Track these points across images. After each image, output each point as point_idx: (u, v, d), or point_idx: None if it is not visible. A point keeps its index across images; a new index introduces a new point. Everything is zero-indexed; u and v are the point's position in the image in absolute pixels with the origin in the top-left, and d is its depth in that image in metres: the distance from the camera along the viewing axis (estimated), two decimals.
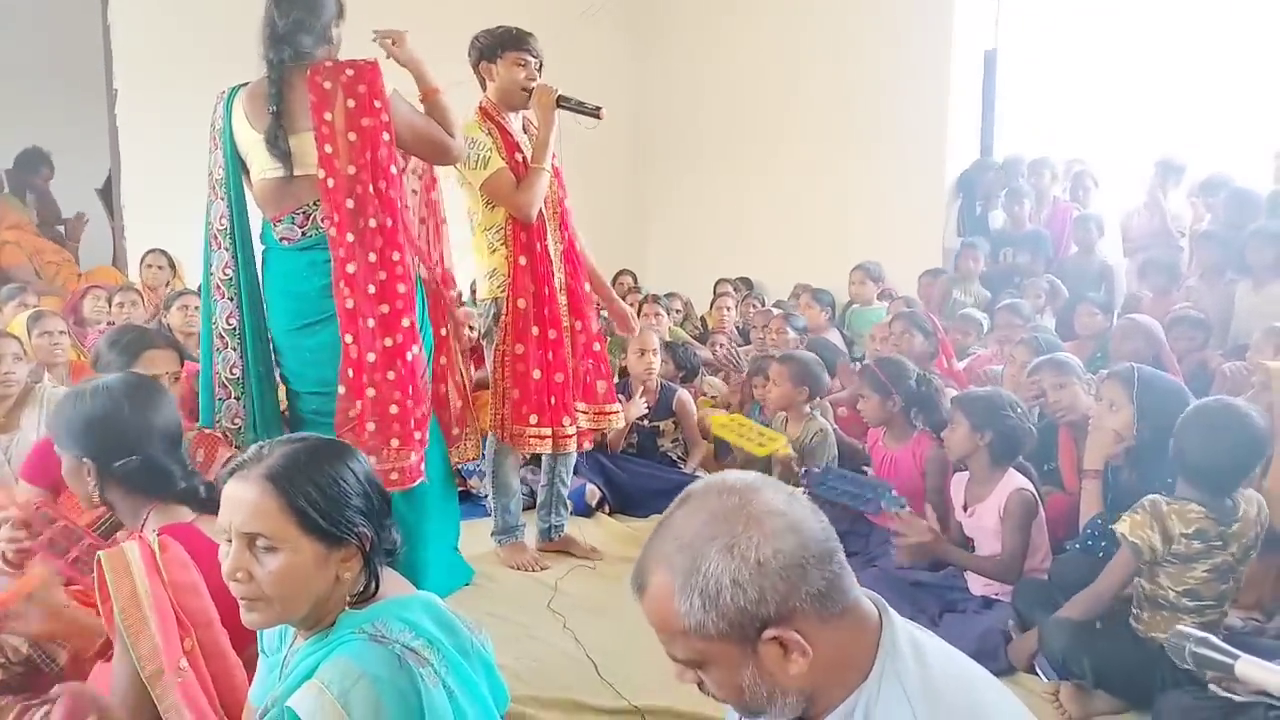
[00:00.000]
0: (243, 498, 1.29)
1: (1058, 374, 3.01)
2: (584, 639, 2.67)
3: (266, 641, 1.48)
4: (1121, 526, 2.16)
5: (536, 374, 3.12)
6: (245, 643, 1.61)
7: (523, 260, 3.11)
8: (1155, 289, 4.67)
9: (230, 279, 2.68)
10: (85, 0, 6.13)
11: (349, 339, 2.55)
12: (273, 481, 1.28)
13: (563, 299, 3.22)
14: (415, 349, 2.64)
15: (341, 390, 2.57)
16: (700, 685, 1.11)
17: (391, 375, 2.57)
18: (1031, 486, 2.65)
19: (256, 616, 1.30)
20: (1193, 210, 5.41)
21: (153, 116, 6.05)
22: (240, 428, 2.69)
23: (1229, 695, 1.41)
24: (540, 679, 2.42)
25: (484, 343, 3.30)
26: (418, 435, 2.65)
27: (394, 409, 2.57)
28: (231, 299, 2.68)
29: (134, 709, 1.52)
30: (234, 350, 2.69)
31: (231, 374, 2.69)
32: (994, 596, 2.63)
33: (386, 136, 2.55)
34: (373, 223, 2.55)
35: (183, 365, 2.95)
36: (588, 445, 3.43)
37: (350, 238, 2.53)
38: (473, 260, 3.26)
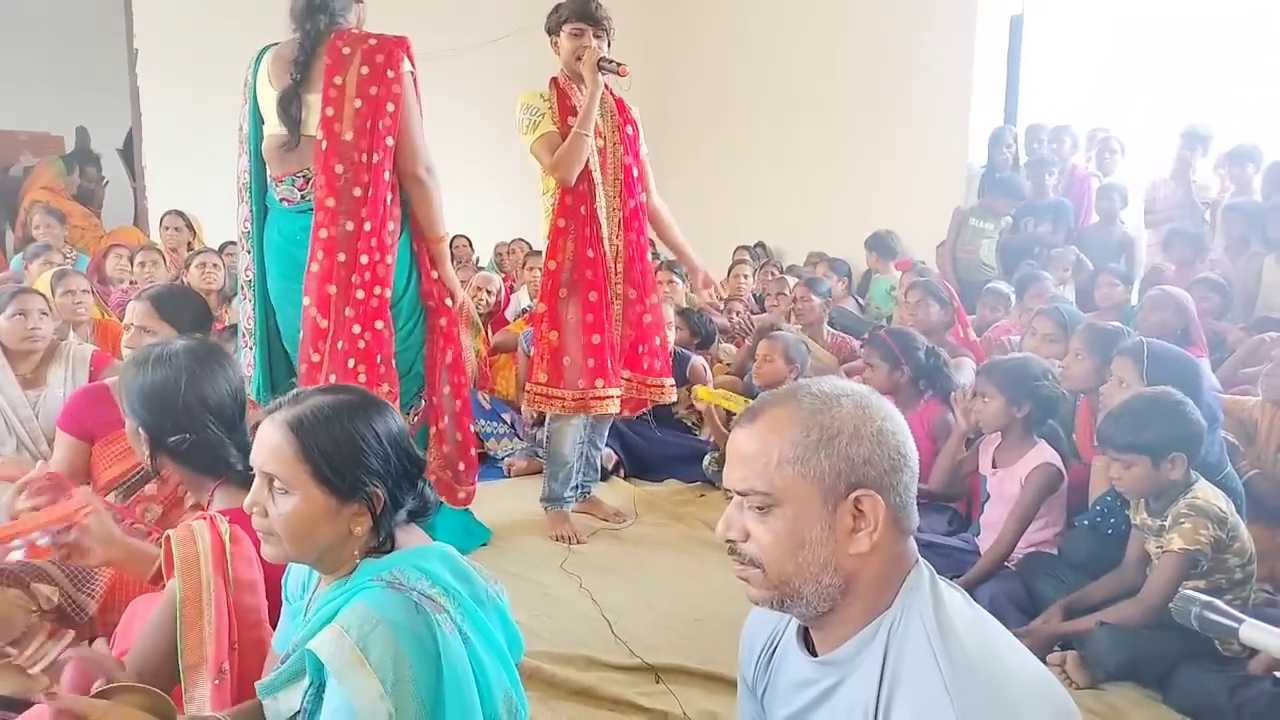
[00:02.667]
0: (266, 438, 1.34)
1: (1087, 346, 2.93)
2: (599, 598, 2.71)
3: (290, 588, 1.52)
4: (1175, 544, 2.13)
5: (554, 336, 3.13)
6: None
7: (561, 223, 3.12)
8: (1180, 261, 4.62)
9: (248, 232, 2.72)
10: None
11: (307, 301, 2.56)
12: (293, 429, 1.32)
13: (619, 266, 3.23)
14: (379, 324, 2.58)
15: (302, 367, 2.60)
16: (737, 548, 1.10)
17: (341, 344, 2.55)
18: (1059, 460, 2.64)
19: (269, 549, 1.37)
20: (1219, 181, 5.33)
21: (173, 77, 6.08)
22: (250, 378, 2.74)
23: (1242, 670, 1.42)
24: (555, 636, 2.47)
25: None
26: None
27: (332, 378, 2.53)
28: (249, 252, 2.73)
29: (151, 674, 1.52)
30: (249, 301, 2.74)
31: (248, 325, 2.75)
32: (1005, 564, 2.64)
33: (391, 108, 2.53)
34: (357, 191, 2.53)
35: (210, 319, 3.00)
36: (628, 413, 3.43)
37: (331, 203, 2.52)
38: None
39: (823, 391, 1.11)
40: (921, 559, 1.13)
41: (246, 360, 2.77)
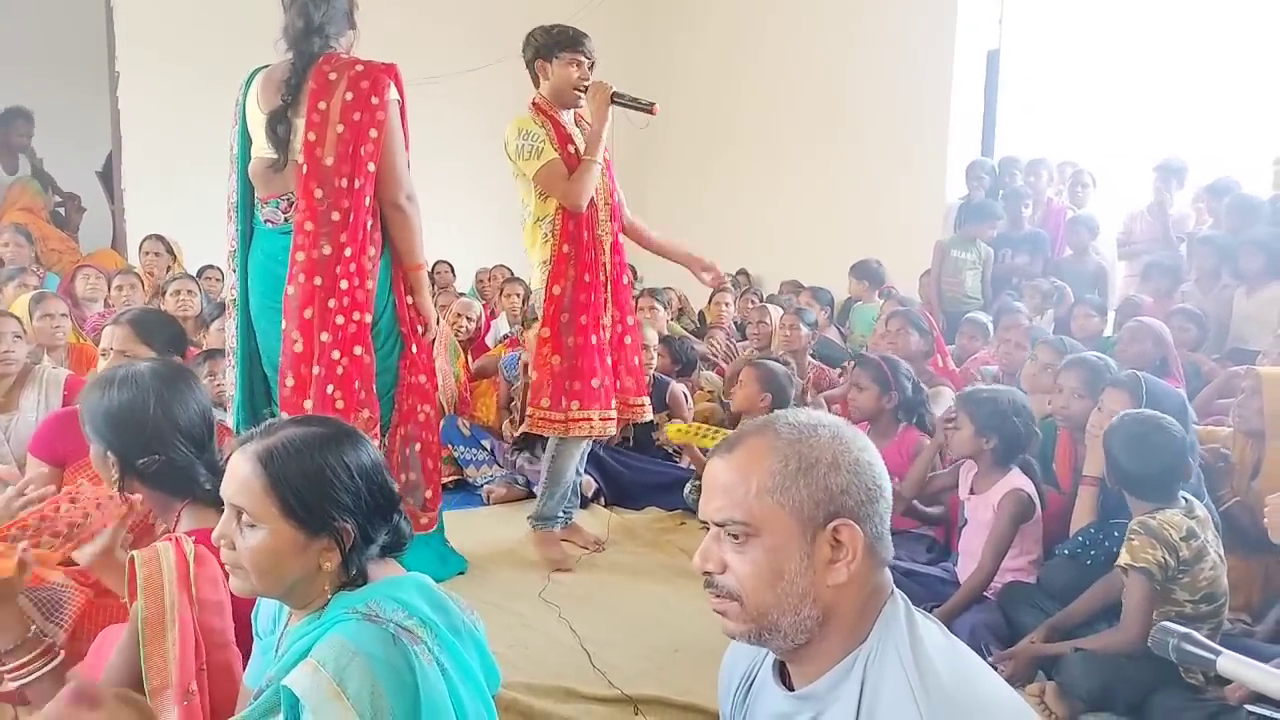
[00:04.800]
0: (235, 470, 1.32)
1: (1081, 384, 2.93)
2: (579, 628, 2.69)
3: (261, 623, 1.49)
4: (1124, 559, 2.15)
5: (556, 360, 3.14)
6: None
7: (566, 249, 3.13)
8: (1157, 292, 4.69)
9: (234, 251, 2.74)
10: None
11: (285, 324, 2.56)
12: (262, 461, 1.30)
13: (609, 289, 3.26)
14: (358, 349, 2.59)
15: (280, 375, 2.60)
16: (714, 580, 1.08)
17: (318, 370, 2.55)
18: (1031, 487, 2.66)
19: (237, 583, 1.34)
20: (1196, 214, 5.43)
21: (154, 100, 6.07)
22: (232, 397, 2.76)
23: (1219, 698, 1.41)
24: (533, 666, 2.44)
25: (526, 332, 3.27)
26: None
27: (308, 404, 2.55)
28: (234, 270, 2.75)
29: None
30: (233, 320, 2.75)
31: (231, 343, 2.76)
32: (984, 594, 2.65)
33: (374, 134, 2.55)
34: (336, 215, 2.54)
35: (185, 341, 2.98)
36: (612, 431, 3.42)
37: (309, 226, 2.53)
38: (526, 250, 3.25)
39: (800, 422, 1.11)
40: (897, 590, 1.13)
41: (230, 379, 2.77)
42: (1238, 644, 2.20)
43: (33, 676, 1.56)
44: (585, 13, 6.96)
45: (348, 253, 2.54)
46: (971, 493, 2.78)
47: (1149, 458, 2.21)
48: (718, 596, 1.09)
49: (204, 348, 4.21)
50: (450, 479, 4.03)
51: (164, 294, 4.84)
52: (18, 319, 3.30)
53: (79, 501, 1.71)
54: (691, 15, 7.88)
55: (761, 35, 7.26)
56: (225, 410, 3.80)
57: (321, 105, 2.53)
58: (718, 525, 1.09)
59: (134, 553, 1.54)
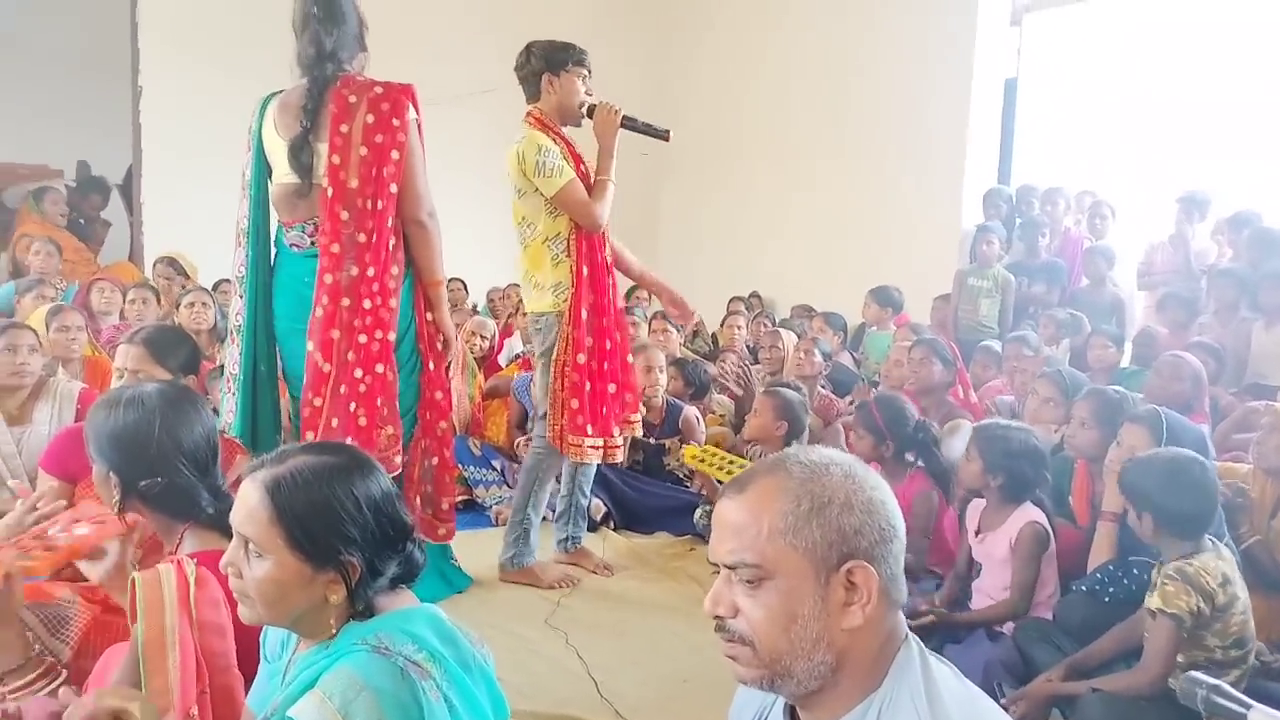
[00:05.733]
0: (244, 499, 1.31)
1: (1090, 415, 2.91)
2: (586, 655, 2.66)
3: (269, 647, 1.48)
4: (1154, 603, 2.10)
5: (587, 386, 3.13)
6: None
7: (585, 270, 3.11)
8: (1173, 324, 4.64)
9: (242, 277, 2.75)
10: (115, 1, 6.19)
11: (311, 345, 2.59)
12: (269, 491, 1.29)
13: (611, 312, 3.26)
14: (380, 367, 2.62)
15: (305, 394, 2.62)
16: (725, 625, 1.06)
17: (343, 389, 2.58)
18: (1045, 520, 2.63)
19: (244, 611, 1.33)
20: (1216, 247, 5.39)
21: (175, 116, 6.12)
22: (231, 423, 2.73)
23: None
24: (539, 693, 2.42)
25: (535, 356, 3.24)
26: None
27: (335, 422, 2.58)
28: (241, 295, 2.75)
29: None
30: (237, 346, 2.75)
31: (233, 369, 2.75)
32: (998, 629, 2.61)
33: (396, 155, 2.59)
34: (361, 237, 2.58)
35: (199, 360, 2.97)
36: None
37: (336, 249, 2.57)
38: (525, 272, 3.20)
39: (811, 461, 1.09)
40: (911, 634, 1.11)
41: (229, 406, 2.75)
42: (1260, 688, 2.16)
43: (36, 698, 1.54)
44: (598, 33, 7.02)
45: (371, 272, 2.58)
46: (978, 532, 2.74)
47: (1193, 495, 2.16)
48: (729, 641, 1.07)
49: (218, 362, 4.22)
50: (459, 499, 4.00)
51: (178, 307, 4.87)
52: (34, 331, 3.31)
53: (80, 520, 1.71)
54: (705, 36, 7.92)
55: (778, 58, 7.28)
56: None
57: (343, 129, 2.56)
58: (729, 568, 1.06)
59: (135, 575, 1.53)
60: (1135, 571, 2.43)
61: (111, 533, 1.71)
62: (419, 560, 1.38)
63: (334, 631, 1.31)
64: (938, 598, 2.79)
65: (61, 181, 6.93)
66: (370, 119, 2.57)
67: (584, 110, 3.15)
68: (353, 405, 2.58)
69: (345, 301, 2.57)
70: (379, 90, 2.60)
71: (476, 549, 3.42)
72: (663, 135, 3.17)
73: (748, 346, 5.78)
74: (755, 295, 7.15)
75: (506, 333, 5.96)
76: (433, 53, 5.99)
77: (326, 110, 2.58)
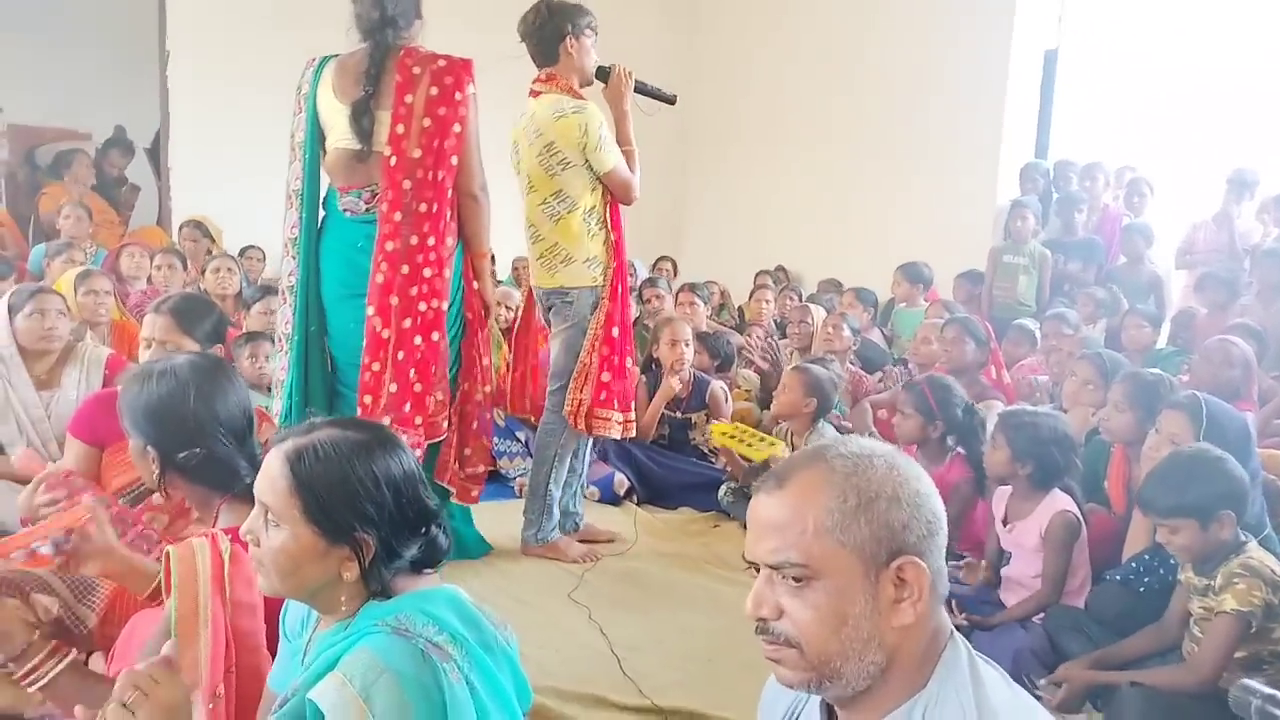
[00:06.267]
0: (267, 467, 1.31)
1: (1125, 398, 2.83)
2: (609, 632, 2.64)
3: (289, 624, 1.46)
4: (1228, 604, 2.02)
5: (616, 360, 3.14)
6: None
7: (616, 240, 3.11)
8: (1212, 304, 4.53)
9: (295, 238, 2.78)
10: None
11: (371, 310, 2.65)
12: (289, 461, 1.28)
13: None
14: (435, 334, 2.70)
15: (363, 360, 2.68)
16: (769, 627, 1.01)
17: (401, 355, 2.65)
18: (1075, 508, 2.57)
19: (261, 580, 1.33)
20: (1262, 227, 5.24)
21: (202, 80, 6.09)
22: (283, 381, 2.80)
23: None
24: (562, 670, 2.40)
25: (563, 328, 3.16)
26: (417, 420, 2.71)
27: (393, 386, 2.65)
28: (294, 257, 2.79)
29: None
30: (289, 306, 2.80)
31: (285, 329, 2.81)
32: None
33: (457, 129, 2.64)
34: (422, 207, 2.63)
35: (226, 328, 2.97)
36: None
37: (398, 216, 2.62)
38: (551, 245, 3.09)
39: (852, 452, 1.04)
40: (956, 632, 1.07)
41: (281, 364, 2.81)
42: None
43: (48, 677, 1.54)
44: (632, 3, 6.91)
45: (430, 241, 2.64)
46: (1005, 521, 2.68)
47: (1225, 490, 2.09)
48: (773, 644, 1.02)
49: (243, 328, 4.23)
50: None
51: (204, 272, 4.88)
52: (62, 296, 3.31)
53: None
54: (739, 7, 7.76)
55: (810, 25, 7.12)
56: (269, 393, 3.83)
57: (408, 99, 2.60)
58: (771, 567, 1.02)
59: (169, 548, 1.52)
60: (1171, 561, 2.36)
61: (57, 527, 1.70)
62: (442, 545, 1.35)
63: (348, 610, 1.29)
64: (962, 575, 2.75)
65: (90, 144, 6.94)
66: (434, 91, 2.61)
67: (595, 74, 3.08)
68: (411, 371, 2.65)
69: (404, 269, 2.63)
70: (442, 63, 2.64)
71: (499, 519, 3.40)
72: (670, 99, 3.14)
73: (775, 321, 5.72)
74: (781, 269, 7.05)
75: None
76: (443, 18, 5.91)
77: (390, 78, 2.61)
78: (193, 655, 1.46)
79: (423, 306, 2.65)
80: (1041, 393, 3.86)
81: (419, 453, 2.71)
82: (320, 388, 2.83)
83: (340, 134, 2.68)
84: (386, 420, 2.61)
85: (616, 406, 3.13)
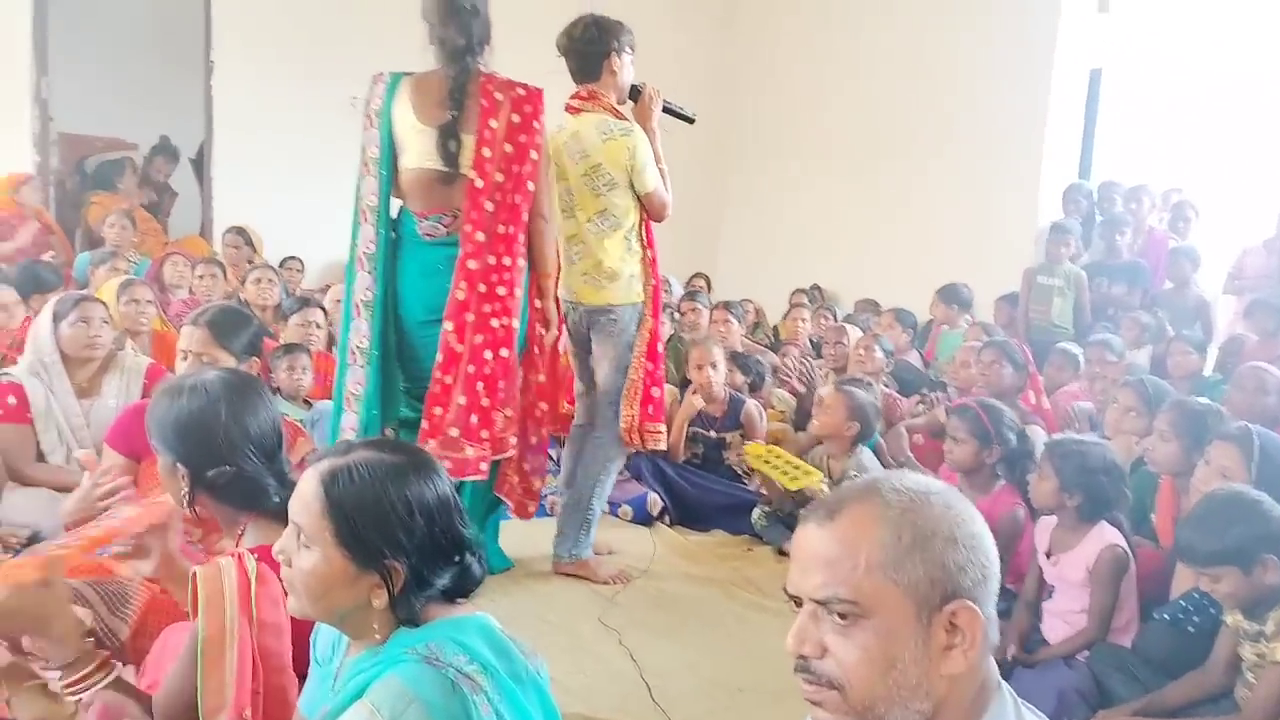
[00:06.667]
0: (302, 487, 1.29)
1: (1170, 427, 2.76)
2: (639, 657, 2.60)
3: (320, 649, 1.45)
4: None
5: (657, 374, 3.20)
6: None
7: (652, 262, 3.17)
8: (1261, 331, 4.42)
9: (372, 253, 2.80)
10: None
11: (449, 326, 2.74)
12: (325, 482, 1.26)
13: None
14: (505, 351, 2.79)
15: (435, 374, 2.76)
16: (810, 666, 0.97)
17: (471, 369, 2.75)
18: (1124, 541, 2.50)
19: (293, 602, 1.31)
20: None
21: (245, 92, 6.17)
22: (359, 394, 2.84)
23: None
24: (591, 696, 2.36)
25: (601, 349, 3.16)
26: (483, 434, 2.78)
27: (462, 399, 2.74)
28: (370, 272, 2.81)
29: (175, 716, 1.49)
30: (365, 320, 2.82)
31: (361, 343, 2.84)
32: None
33: (534, 155, 2.77)
34: (501, 229, 2.75)
35: (262, 341, 3.00)
36: None
37: (481, 237, 2.73)
38: (593, 264, 3.08)
39: (907, 488, 1.00)
40: (1003, 683, 1.02)
41: (357, 378, 2.84)
42: None
43: (93, 690, 1.53)
44: (666, 20, 6.92)
45: (506, 261, 2.76)
46: (1049, 553, 2.61)
47: (1237, 541, 2.02)
48: (813, 684, 0.98)
49: (280, 340, 4.26)
50: None
51: (244, 283, 4.93)
52: (105, 305, 3.35)
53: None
54: (774, 23, 7.73)
55: (850, 41, 7.08)
56: (307, 406, 3.85)
57: (492, 124, 2.70)
58: (817, 603, 0.98)
59: (195, 568, 1.51)
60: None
61: (143, 523, 1.69)
62: (476, 574, 1.33)
63: (378, 636, 1.27)
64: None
65: (137, 154, 7.07)
66: (516, 118, 2.72)
67: (628, 93, 3.11)
68: (480, 385, 2.75)
69: (481, 287, 2.74)
70: (521, 91, 2.75)
71: (527, 536, 3.37)
72: (690, 119, 3.19)
73: (810, 341, 5.66)
74: (816, 288, 6.99)
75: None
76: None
77: (473, 103, 2.70)
78: (218, 677, 1.45)
79: (495, 324, 2.76)
80: (1083, 420, 3.77)
81: (484, 466, 2.80)
82: (394, 403, 2.90)
83: (421, 154, 2.74)
84: (454, 432, 2.73)
85: (661, 419, 3.21)
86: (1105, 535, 2.49)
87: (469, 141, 2.70)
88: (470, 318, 2.74)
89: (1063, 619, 2.55)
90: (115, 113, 7.11)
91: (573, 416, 3.31)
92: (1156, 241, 5.54)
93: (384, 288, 2.81)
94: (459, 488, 2.85)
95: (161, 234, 6.49)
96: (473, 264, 2.72)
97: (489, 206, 2.72)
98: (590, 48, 3.03)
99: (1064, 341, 4.79)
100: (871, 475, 1.07)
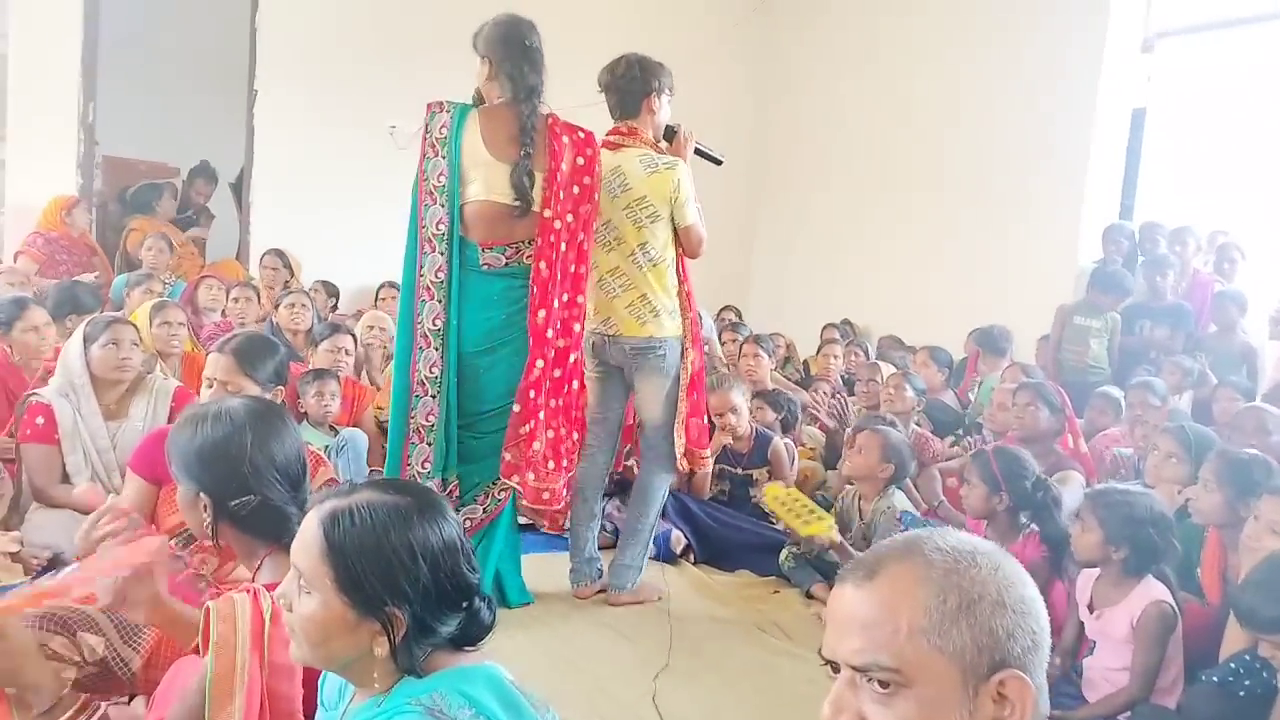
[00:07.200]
0: (304, 529, 1.25)
1: (1215, 476, 2.68)
2: (661, 703, 2.51)
3: (326, 694, 1.40)
4: None
5: (699, 403, 3.26)
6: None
7: (689, 295, 3.23)
8: None
9: (442, 282, 2.83)
10: (236, 5, 6.39)
11: (540, 364, 2.85)
12: (325, 525, 1.22)
13: None
14: (576, 383, 2.99)
15: (517, 408, 2.85)
16: None
17: (555, 403, 2.93)
18: (1170, 597, 2.39)
19: (293, 648, 1.27)
20: None
21: (287, 118, 6.26)
22: (432, 425, 2.85)
23: None
24: None
25: (651, 382, 3.16)
26: (566, 462, 3.01)
27: (550, 433, 2.91)
28: (440, 301, 2.83)
29: None
30: (436, 350, 2.84)
31: (431, 373, 2.86)
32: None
33: (597, 196, 2.91)
34: (572, 269, 2.88)
35: (289, 366, 2.99)
36: None
37: (558, 276, 2.85)
38: (640, 296, 3.10)
39: (952, 547, 0.94)
40: None
41: (428, 409, 2.86)
42: None
43: None
44: (701, 56, 6.92)
45: (580, 299, 2.92)
46: (1091, 607, 2.51)
47: None
48: None
49: (311, 365, 4.26)
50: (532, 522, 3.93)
51: (278, 307, 4.96)
52: (135, 327, 3.37)
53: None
54: (809, 56, 7.73)
55: (886, 75, 7.04)
56: (333, 432, 3.83)
57: (563, 166, 2.82)
58: (855, 669, 0.92)
59: (210, 604, 1.47)
60: (1276, 664, 2.17)
61: (122, 568, 1.64)
62: (485, 622, 1.27)
63: (381, 685, 1.22)
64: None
65: (177, 179, 7.20)
66: (580, 161, 2.86)
67: (664, 133, 3.19)
68: (561, 417, 2.95)
69: (558, 324, 2.87)
70: (581, 135, 2.89)
71: (548, 570, 3.34)
72: (719, 161, 3.31)
73: (842, 377, 5.57)
74: (848, 322, 6.91)
75: None
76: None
77: (543, 141, 2.81)
78: (226, 717, 1.41)
79: (572, 358, 2.94)
80: (1126, 467, 3.65)
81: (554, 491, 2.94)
82: (456, 434, 2.91)
83: (489, 187, 2.80)
84: (551, 465, 2.89)
85: (707, 445, 3.33)
86: (1151, 591, 2.38)
87: (540, 180, 2.80)
88: (551, 353, 2.86)
89: (1103, 676, 2.45)
90: (158, 138, 7.26)
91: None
92: (1201, 284, 5.39)
93: (456, 317, 2.84)
94: (497, 518, 2.90)
95: (198, 256, 6.58)
96: (555, 302, 2.84)
97: (562, 247, 2.83)
98: (632, 86, 3.10)
99: (1099, 383, 4.67)
100: (913, 532, 1.00)
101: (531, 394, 2.84)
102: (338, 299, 5.95)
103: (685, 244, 3.14)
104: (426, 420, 2.84)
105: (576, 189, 2.85)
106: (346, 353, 4.30)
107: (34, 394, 3.16)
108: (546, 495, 2.90)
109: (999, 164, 6.25)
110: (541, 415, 2.87)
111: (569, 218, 2.83)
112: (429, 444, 2.84)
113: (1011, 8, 6.24)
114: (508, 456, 2.86)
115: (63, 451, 3.10)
